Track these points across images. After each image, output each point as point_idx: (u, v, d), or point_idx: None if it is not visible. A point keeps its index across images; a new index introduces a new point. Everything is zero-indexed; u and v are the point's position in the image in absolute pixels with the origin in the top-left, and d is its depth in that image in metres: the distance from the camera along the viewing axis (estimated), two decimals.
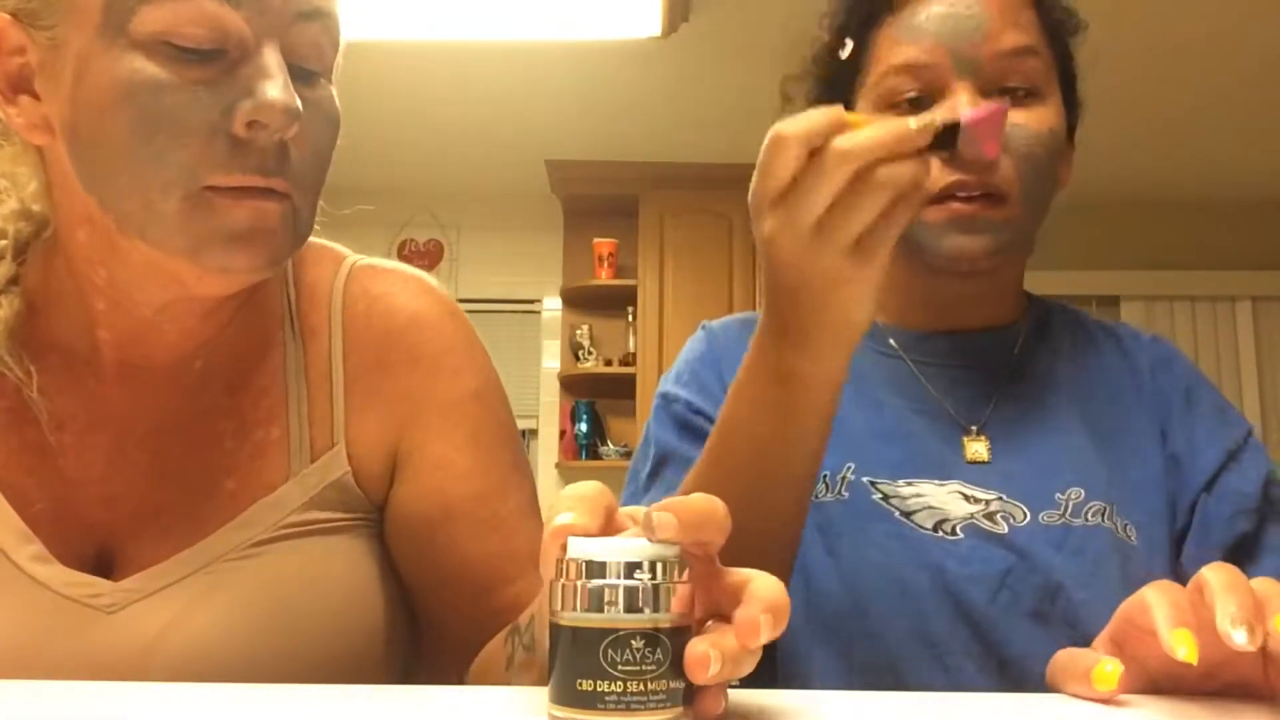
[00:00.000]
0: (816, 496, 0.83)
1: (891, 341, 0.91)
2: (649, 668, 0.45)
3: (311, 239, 0.83)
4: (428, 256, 4.51)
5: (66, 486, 0.70)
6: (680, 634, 0.46)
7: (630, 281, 4.22)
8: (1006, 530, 0.81)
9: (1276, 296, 4.46)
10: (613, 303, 4.36)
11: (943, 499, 0.83)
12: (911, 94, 0.83)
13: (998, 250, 0.84)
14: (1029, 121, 0.83)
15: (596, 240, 4.33)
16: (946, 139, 0.62)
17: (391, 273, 0.80)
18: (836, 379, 0.68)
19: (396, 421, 0.75)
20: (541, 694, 0.49)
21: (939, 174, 0.81)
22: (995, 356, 0.90)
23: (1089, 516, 0.83)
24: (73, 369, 0.72)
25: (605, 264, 4.32)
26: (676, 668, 0.46)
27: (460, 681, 0.77)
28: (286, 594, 0.70)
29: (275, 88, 0.62)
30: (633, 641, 0.45)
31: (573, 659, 0.46)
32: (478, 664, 0.74)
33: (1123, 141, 3.85)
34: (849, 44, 0.88)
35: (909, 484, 0.84)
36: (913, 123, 0.60)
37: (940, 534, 0.82)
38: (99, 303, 0.70)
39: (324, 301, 0.77)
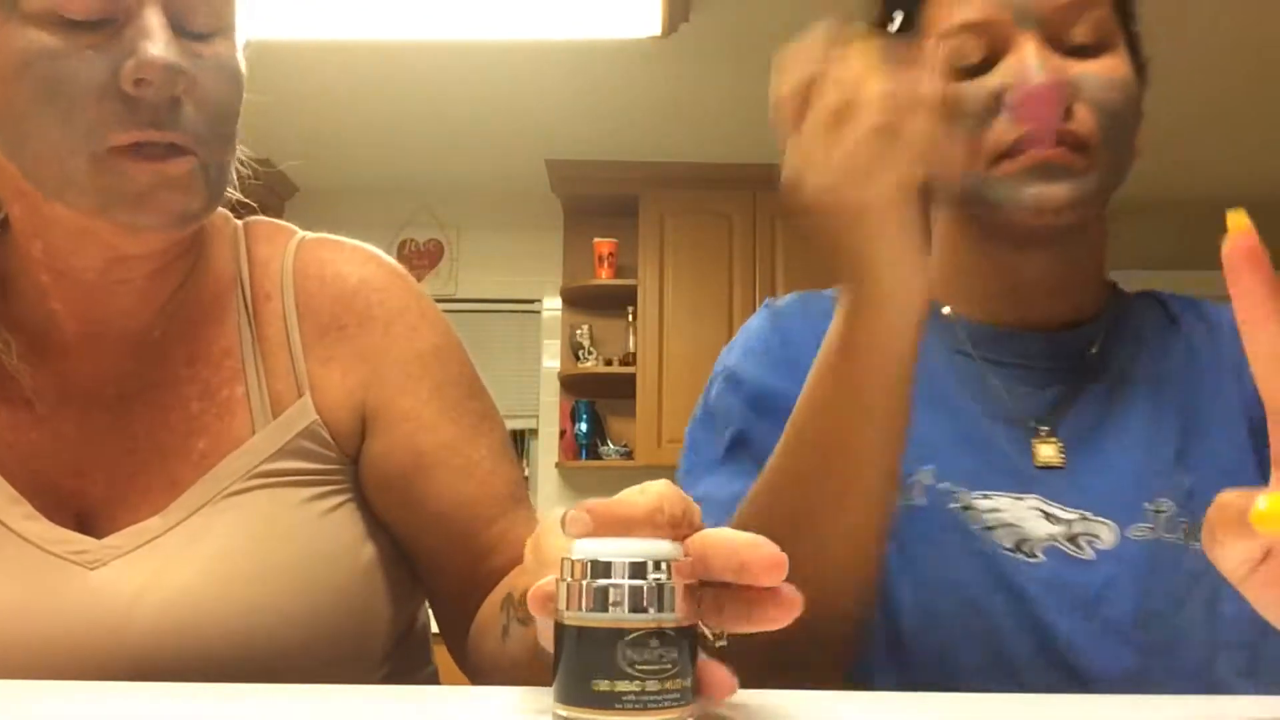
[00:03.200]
0: None
1: (963, 337, 0.85)
2: (665, 666, 0.45)
3: (264, 218, 0.86)
4: (428, 256, 4.51)
5: (42, 460, 0.73)
6: (689, 631, 0.47)
7: (630, 281, 4.21)
8: (1093, 555, 0.76)
9: None
10: (613, 303, 4.35)
11: (1021, 514, 0.77)
12: (971, 61, 0.78)
13: (1081, 200, 0.76)
14: (1100, 70, 0.77)
15: (596, 240, 4.33)
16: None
17: (338, 243, 0.84)
18: (902, 349, 0.65)
19: (359, 380, 0.78)
20: (543, 694, 0.49)
21: (1005, 130, 0.76)
22: (1072, 354, 0.84)
23: (1184, 533, 0.77)
24: (37, 347, 0.75)
25: (605, 264, 4.31)
26: (687, 665, 0.46)
27: (459, 639, 0.79)
28: (263, 540, 0.72)
29: (155, 46, 0.65)
30: (650, 641, 0.45)
31: (587, 659, 0.46)
32: (474, 630, 0.76)
33: None
34: (898, 16, 0.84)
35: (985, 496, 0.78)
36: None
37: (1021, 554, 0.76)
38: (43, 275, 0.74)
39: (275, 270, 0.81)
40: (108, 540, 0.71)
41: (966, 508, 0.78)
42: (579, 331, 4.37)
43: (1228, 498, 0.50)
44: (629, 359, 4.23)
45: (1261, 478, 0.62)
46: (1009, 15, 0.77)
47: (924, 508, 0.78)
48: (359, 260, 0.82)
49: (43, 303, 0.75)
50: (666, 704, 0.45)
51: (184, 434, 0.74)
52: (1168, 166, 4.15)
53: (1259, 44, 3.16)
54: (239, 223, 0.84)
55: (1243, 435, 0.80)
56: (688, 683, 0.46)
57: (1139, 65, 0.83)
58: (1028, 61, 0.75)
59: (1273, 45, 3.16)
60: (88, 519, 0.73)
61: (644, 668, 0.45)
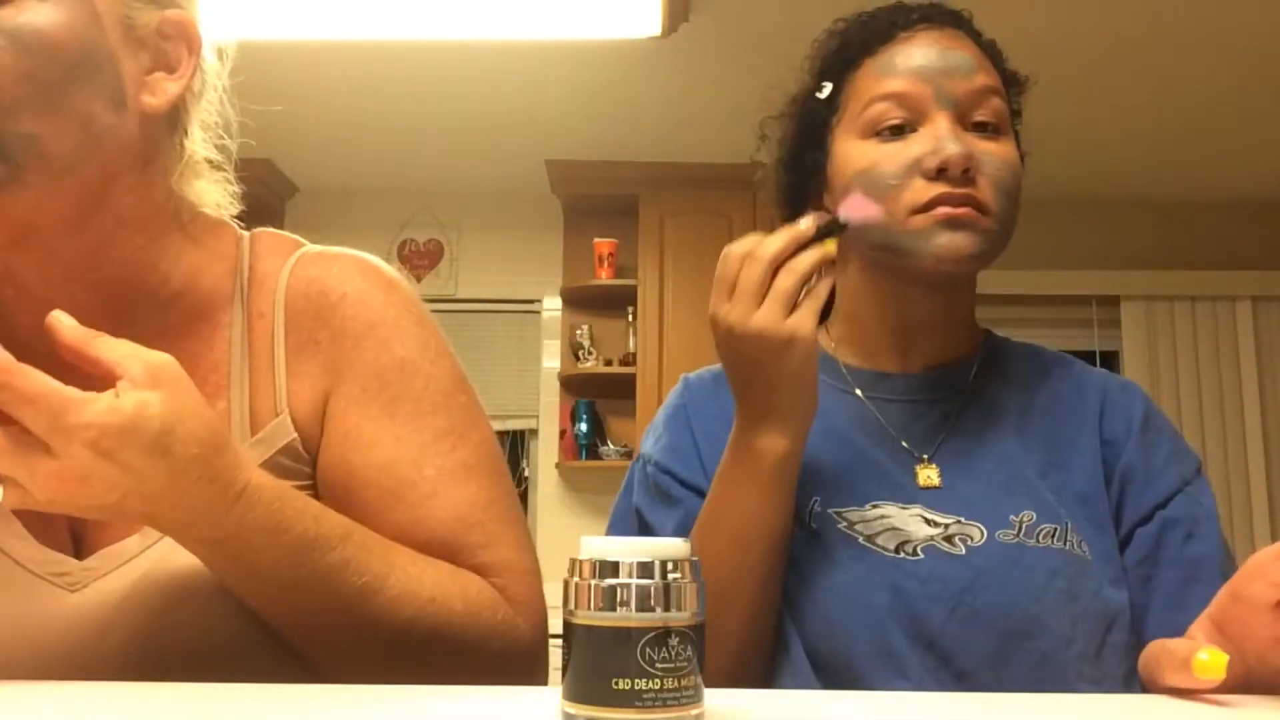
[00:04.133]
0: None
1: (851, 380, 0.97)
2: (682, 664, 0.46)
3: (273, 229, 0.85)
4: (428, 256, 4.51)
5: None
6: (701, 629, 0.48)
7: (630, 281, 4.21)
8: (964, 551, 0.87)
9: (1276, 296, 4.46)
10: (613, 303, 4.35)
11: (905, 520, 0.88)
12: (895, 121, 0.90)
13: (980, 253, 0.88)
14: (999, 151, 0.90)
15: (596, 240, 4.32)
16: (837, 227, 0.84)
17: (334, 257, 0.82)
18: (799, 450, 0.85)
19: (323, 393, 0.77)
20: (546, 693, 0.49)
21: (924, 189, 0.88)
22: (949, 390, 0.96)
23: (1041, 538, 0.87)
24: (29, 363, 0.74)
25: (605, 264, 4.31)
26: (698, 662, 0.47)
27: None
28: None
29: None
30: (670, 640, 0.46)
31: (607, 658, 0.46)
32: None
33: (1124, 142, 3.85)
34: (828, 85, 0.96)
35: (874, 506, 0.90)
36: (803, 223, 0.82)
37: (902, 554, 0.87)
38: (8, 289, 0.74)
39: (272, 288, 0.79)
40: (88, 562, 0.71)
41: (853, 524, 0.89)
42: (579, 331, 4.36)
43: (1172, 644, 0.63)
44: (629, 359, 4.23)
45: (1109, 508, 0.91)
46: (930, 92, 0.90)
47: (816, 531, 0.89)
48: (348, 274, 0.80)
49: (17, 319, 0.75)
50: (684, 700, 0.46)
51: None
52: (1168, 167, 4.15)
53: (1257, 47, 3.16)
54: (247, 235, 0.83)
55: (1098, 474, 0.92)
56: (699, 679, 0.47)
57: (1020, 156, 0.97)
58: (944, 134, 0.88)
59: (1272, 45, 3.16)
60: (80, 534, 0.73)
61: (663, 665, 0.46)
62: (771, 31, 3.00)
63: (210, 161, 0.83)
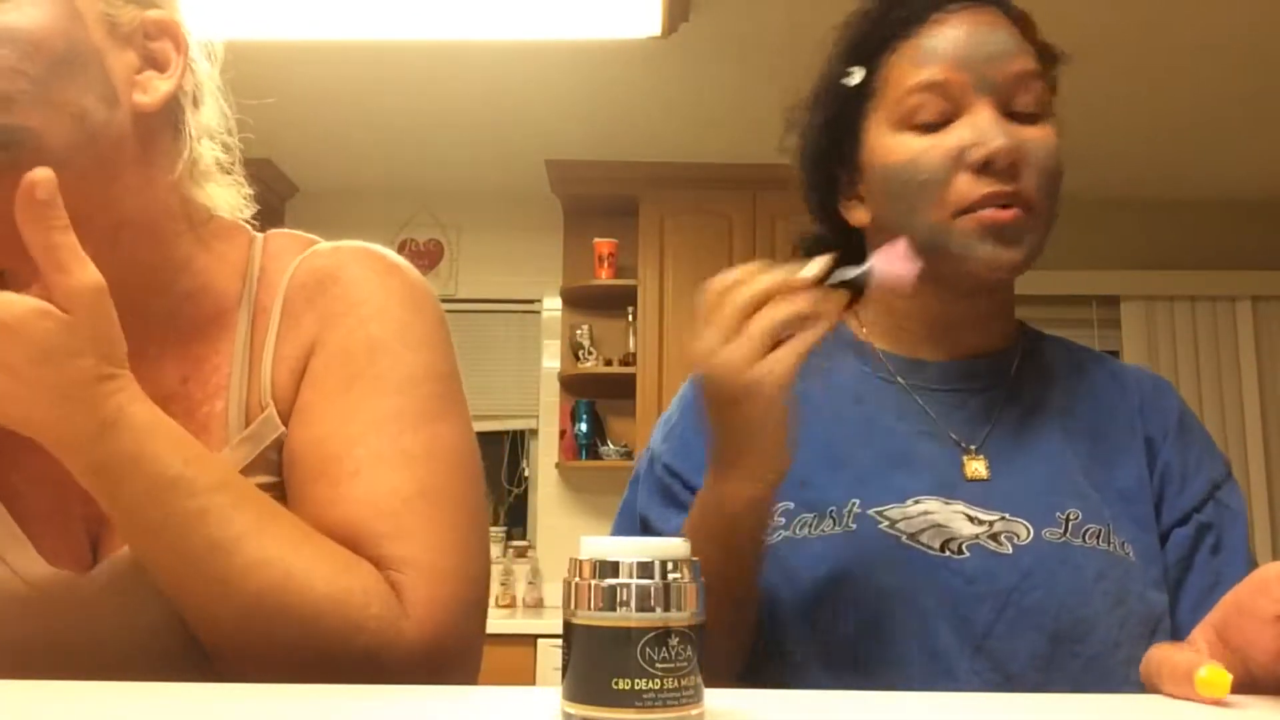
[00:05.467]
0: (824, 531, 0.86)
1: (890, 368, 0.94)
2: (683, 664, 0.46)
3: (287, 230, 0.85)
4: (428, 256, 4.51)
5: (55, 484, 0.73)
6: (701, 629, 0.48)
7: (630, 281, 4.21)
8: (1011, 550, 0.84)
9: (1276, 296, 4.46)
10: (613, 303, 4.35)
11: (949, 517, 0.85)
12: (933, 114, 0.85)
13: (1025, 262, 0.86)
14: (1041, 137, 0.86)
15: (596, 240, 4.32)
16: (860, 278, 0.76)
17: (338, 249, 0.81)
18: (761, 503, 0.78)
19: (299, 376, 0.76)
20: (547, 693, 0.49)
21: (969, 186, 0.83)
22: (991, 380, 0.93)
23: (1087, 538, 0.85)
24: None
25: (605, 264, 4.31)
26: (698, 662, 0.47)
27: None
28: None
29: None
30: (670, 640, 0.46)
31: (607, 658, 0.46)
32: None
33: (1123, 141, 3.85)
34: (857, 71, 0.91)
35: (916, 502, 0.86)
36: (810, 268, 0.73)
37: (947, 553, 0.84)
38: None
39: (275, 287, 0.79)
40: (91, 574, 0.71)
41: (895, 522, 0.85)
42: (579, 331, 4.37)
43: (1174, 655, 0.62)
44: (629, 359, 4.23)
45: (1152, 509, 0.89)
46: (969, 79, 0.85)
47: (856, 532, 0.85)
48: (345, 260, 0.80)
49: None
50: (684, 700, 0.46)
51: None
52: (1168, 167, 4.15)
53: (1257, 46, 3.16)
54: (260, 237, 0.83)
55: (1142, 472, 0.90)
56: (699, 679, 0.47)
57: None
58: (986, 125, 0.83)
59: (1272, 45, 3.16)
60: (99, 542, 0.73)
61: (663, 666, 0.46)
62: (771, 31, 3.00)
63: (220, 165, 0.82)
